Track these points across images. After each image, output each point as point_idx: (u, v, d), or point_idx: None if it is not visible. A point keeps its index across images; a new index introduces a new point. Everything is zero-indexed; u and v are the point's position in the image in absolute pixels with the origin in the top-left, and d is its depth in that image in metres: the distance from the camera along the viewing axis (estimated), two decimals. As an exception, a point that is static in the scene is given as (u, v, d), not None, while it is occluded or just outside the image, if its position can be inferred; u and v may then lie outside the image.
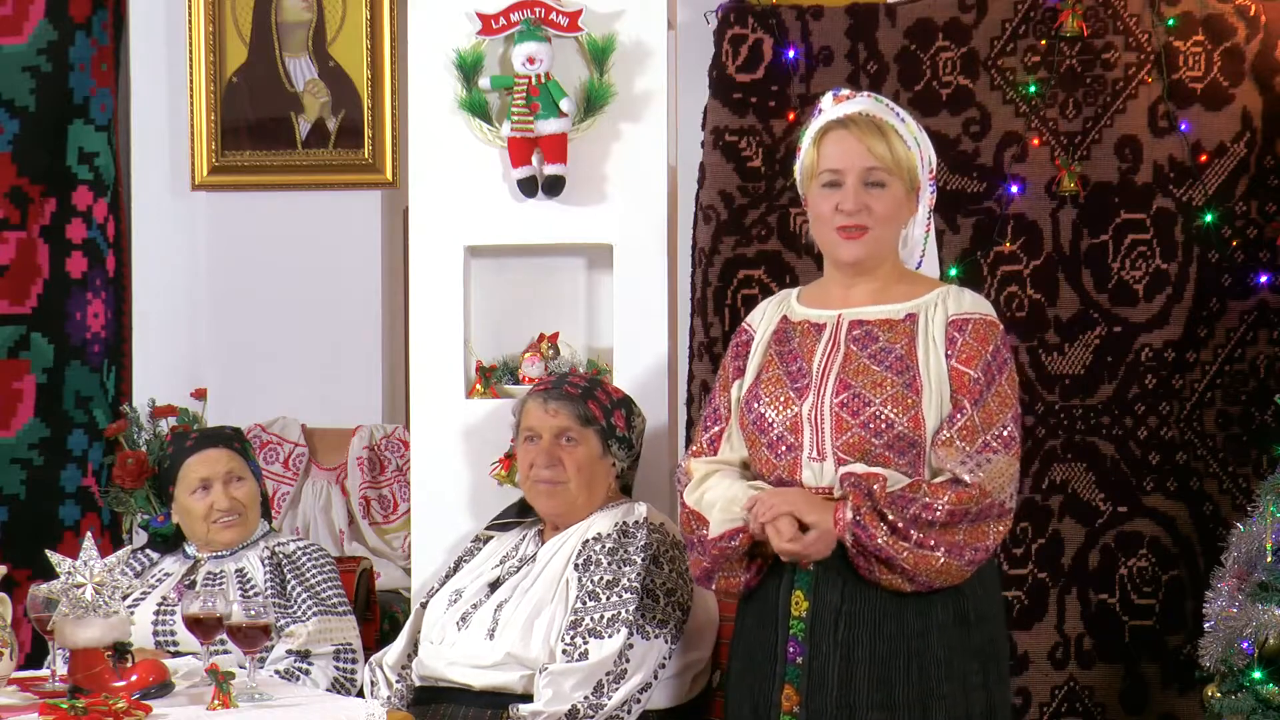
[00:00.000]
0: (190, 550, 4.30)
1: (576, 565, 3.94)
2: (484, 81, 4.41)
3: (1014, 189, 4.51)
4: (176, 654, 3.98)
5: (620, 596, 3.86)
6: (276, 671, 4.01)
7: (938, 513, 3.35)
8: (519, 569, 4.03)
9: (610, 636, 3.82)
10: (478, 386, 4.48)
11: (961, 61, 4.54)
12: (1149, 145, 4.49)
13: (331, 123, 6.15)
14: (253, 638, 3.57)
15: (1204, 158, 4.47)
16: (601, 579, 3.89)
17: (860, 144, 3.49)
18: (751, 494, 3.49)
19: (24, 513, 5.65)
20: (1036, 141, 4.51)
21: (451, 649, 3.96)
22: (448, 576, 4.15)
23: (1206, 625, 3.80)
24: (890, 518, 3.35)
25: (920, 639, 3.41)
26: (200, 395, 4.71)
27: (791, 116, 4.57)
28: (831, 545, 3.41)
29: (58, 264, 5.71)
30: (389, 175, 6.13)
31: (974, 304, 3.52)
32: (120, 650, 3.46)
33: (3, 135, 5.64)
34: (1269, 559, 3.75)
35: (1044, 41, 4.50)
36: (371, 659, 4.15)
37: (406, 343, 4.75)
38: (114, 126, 5.84)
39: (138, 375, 5.97)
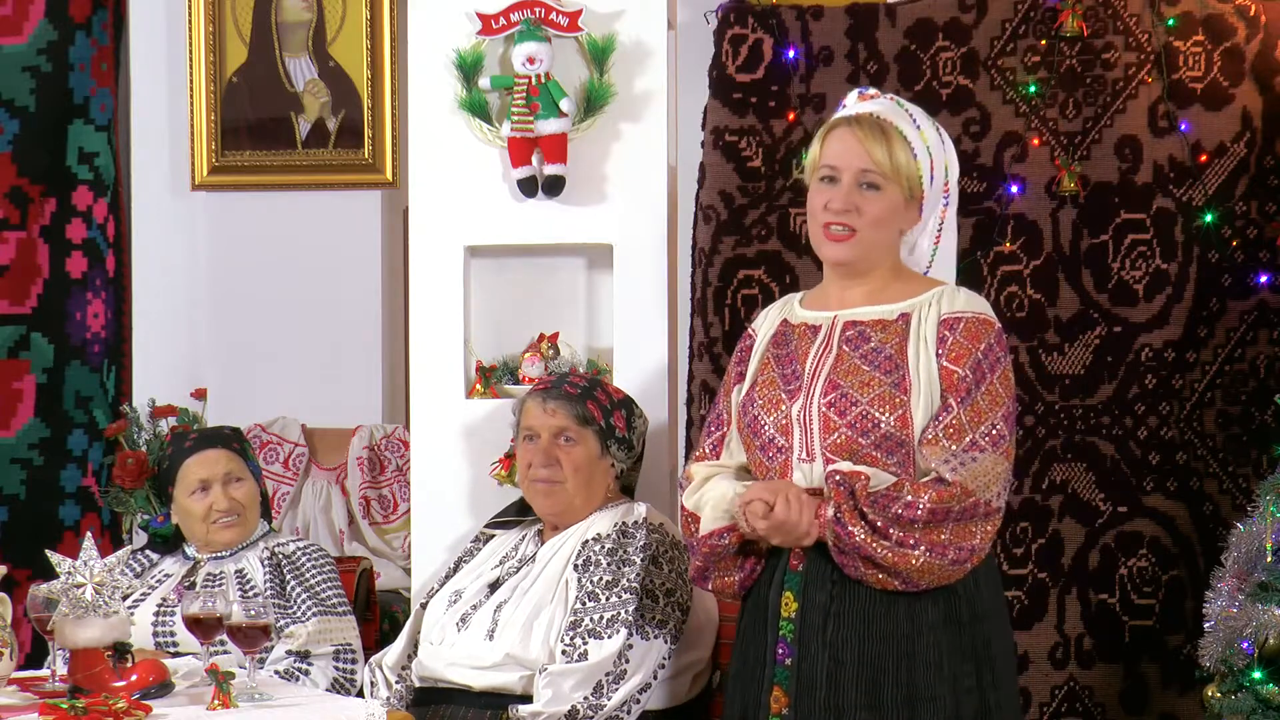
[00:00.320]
0: (190, 551, 4.30)
1: (576, 566, 3.94)
2: (484, 81, 4.41)
3: (1014, 189, 4.51)
4: (176, 654, 3.98)
5: (619, 597, 3.86)
6: (276, 672, 4.01)
7: (919, 512, 3.34)
8: (518, 569, 4.03)
9: (610, 637, 3.82)
10: (478, 386, 4.48)
11: (961, 61, 4.54)
12: (1149, 145, 4.49)
13: (331, 123, 6.15)
14: (253, 638, 3.57)
15: (1204, 158, 4.47)
16: (601, 579, 3.89)
17: (860, 145, 3.48)
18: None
19: (24, 513, 5.65)
20: (1036, 141, 4.51)
21: (451, 650, 3.96)
22: (447, 577, 4.15)
23: (1206, 625, 3.80)
24: (870, 516, 3.34)
25: (910, 640, 3.39)
26: (200, 395, 4.71)
27: (791, 116, 4.57)
28: (793, 534, 3.39)
29: (58, 264, 5.71)
30: (389, 175, 6.14)
31: (967, 303, 3.50)
32: (120, 650, 3.46)
33: (3, 135, 5.64)
34: (1269, 559, 3.75)
35: (1044, 41, 4.50)
36: (371, 659, 4.15)
37: (406, 343, 4.75)
38: (114, 126, 5.85)
39: (138, 375, 5.97)
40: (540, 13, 4.37)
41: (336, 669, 4.10)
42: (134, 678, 3.43)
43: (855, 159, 3.48)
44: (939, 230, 3.59)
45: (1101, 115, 4.50)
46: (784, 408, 3.48)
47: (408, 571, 4.90)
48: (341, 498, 6.00)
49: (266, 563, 4.20)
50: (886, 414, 3.41)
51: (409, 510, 4.75)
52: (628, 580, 3.87)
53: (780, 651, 3.45)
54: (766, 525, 3.40)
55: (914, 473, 3.41)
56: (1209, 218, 4.46)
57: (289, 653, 4.07)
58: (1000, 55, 4.53)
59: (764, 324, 3.65)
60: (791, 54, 4.56)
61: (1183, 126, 4.47)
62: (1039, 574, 4.51)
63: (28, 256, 5.68)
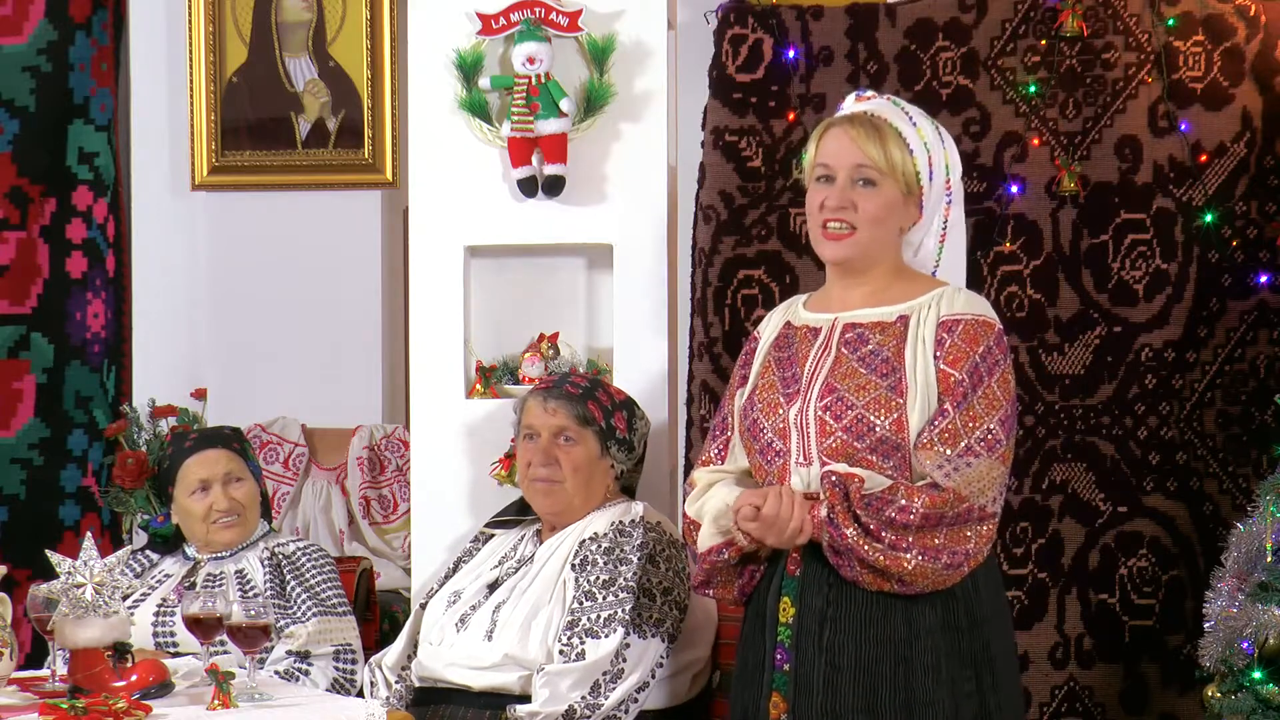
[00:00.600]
0: (190, 552, 4.30)
1: (573, 565, 3.94)
2: (484, 81, 4.41)
3: (1014, 189, 4.51)
4: (176, 654, 3.98)
5: (616, 596, 3.86)
6: (276, 672, 4.01)
7: (911, 516, 3.32)
8: (517, 570, 4.03)
9: (607, 636, 3.82)
10: (478, 386, 4.48)
11: (961, 61, 4.54)
12: (1149, 145, 4.49)
13: (331, 123, 6.15)
14: (253, 638, 3.58)
15: (1204, 158, 4.47)
16: (598, 579, 3.89)
17: (854, 143, 3.48)
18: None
19: (24, 513, 5.65)
20: (1036, 141, 4.51)
21: (450, 650, 3.96)
22: (447, 577, 4.15)
23: (1206, 625, 3.79)
24: (863, 518, 3.33)
25: (907, 644, 3.37)
26: (200, 395, 4.71)
27: (791, 116, 4.57)
28: (784, 532, 3.37)
29: (58, 264, 5.71)
30: (389, 175, 6.14)
31: (967, 304, 3.48)
32: (120, 650, 3.46)
33: (3, 135, 5.64)
34: (1269, 559, 3.75)
35: (1044, 41, 4.50)
36: (371, 660, 4.15)
37: (406, 343, 4.75)
38: (114, 126, 5.84)
39: (138, 375, 5.97)
40: (540, 13, 4.37)
41: (336, 669, 4.10)
42: (134, 678, 3.43)
43: (849, 156, 3.48)
44: (944, 229, 3.58)
45: (1101, 115, 4.50)
46: (782, 411, 3.47)
47: (408, 571, 4.90)
48: (341, 498, 6.00)
49: (266, 563, 4.20)
50: (882, 417, 3.40)
51: (409, 510, 4.75)
52: (624, 579, 3.88)
53: (778, 657, 3.44)
54: (756, 526, 3.40)
55: (910, 476, 3.40)
56: (1209, 218, 4.46)
57: (289, 653, 4.07)
58: (1000, 55, 4.53)
59: (768, 327, 3.64)
60: (791, 54, 4.56)
61: (1183, 126, 4.47)
62: (1039, 574, 4.51)
63: (28, 256, 5.68)
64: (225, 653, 3.82)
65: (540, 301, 4.54)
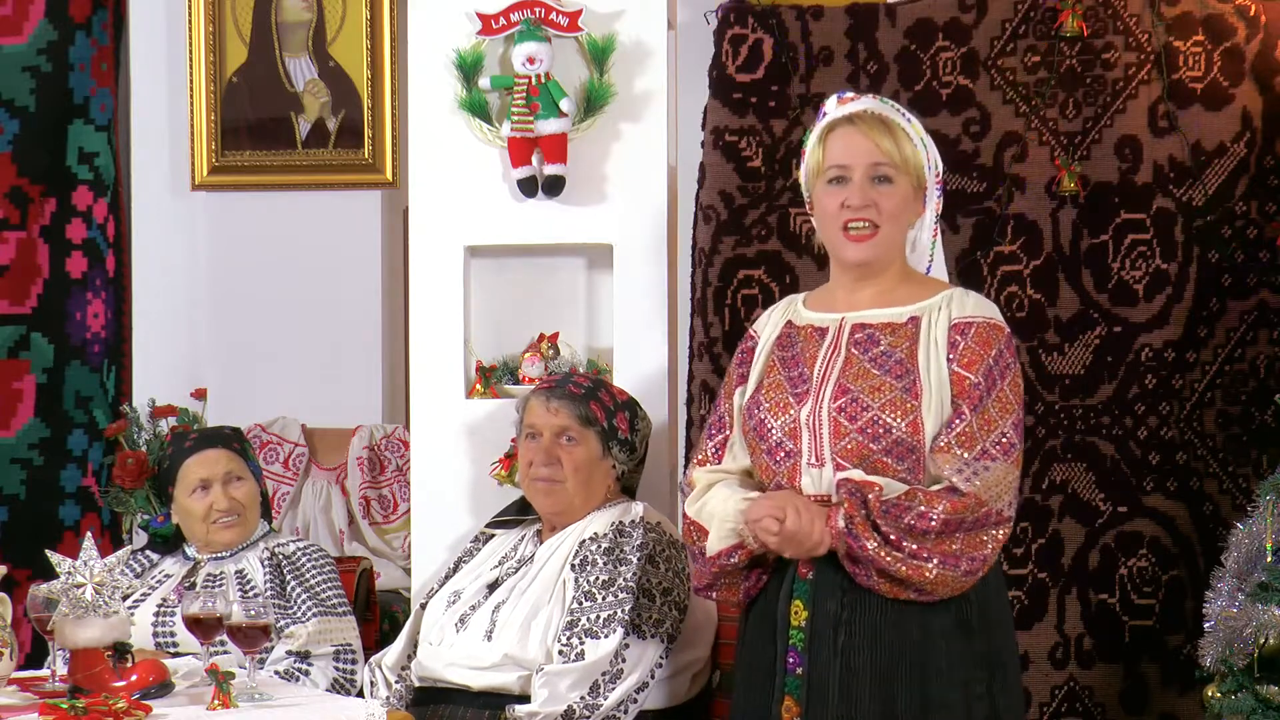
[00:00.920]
0: (190, 552, 4.30)
1: (573, 566, 3.94)
2: (484, 81, 4.41)
3: (1014, 189, 4.51)
4: (176, 654, 3.98)
5: (616, 596, 3.86)
6: (276, 672, 4.01)
7: (932, 522, 3.31)
8: (517, 570, 4.03)
9: (606, 637, 3.82)
10: (478, 386, 4.48)
11: (961, 61, 4.54)
12: (1149, 145, 4.49)
13: (331, 123, 6.15)
14: (253, 638, 3.58)
15: (1204, 158, 4.47)
16: (598, 579, 3.89)
17: (867, 140, 3.47)
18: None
19: (24, 513, 5.66)
20: (1036, 141, 4.51)
21: (450, 650, 3.96)
22: (447, 577, 4.15)
23: (1206, 625, 3.79)
24: (883, 529, 3.31)
25: (921, 647, 3.36)
26: (200, 395, 4.72)
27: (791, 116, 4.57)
28: (805, 545, 3.36)
29: (58, 264, 5.71)
30: (389, 175, 6.14)
31: (978, 307, 3.48)
32: (120, 650, 3.46)
33: (3, 135, 5.64)
34: (1269, 559, 3.75)
35: (1044, 41, 4.50)
36: (371, 660, 4.15)
37: (406, 343, 4.75)
38: (114, 126, 5.85)
39: (138, 375, 5.97)
40: (540, 13, 4.37)
41: (336, 669, 4.10)
42: (134, 678, 3.43)
43: (864, 154, 3.47)
44: (935, 224, 3.59)
45: (1101, 115, 4.49)
46: (792, 412, 3.46)
47: (408, 571, 4.90)
48: (341, 498, 6.00)
49: (266, 563, 4.20)
50: (898, 419, 3.39)
51: (409, 510, 4.75)
52: (624, 580, 3.87)
53: (791, 660, 3.42)
54: (778, 540, 3.38)
55: (924, 478, 3.39)
56: (1209, 218, 4.46)
57: (289, 653, 4.07)
58: (1000, 55, 4.53)
59: (767, 326, 3.63)
60: (791, 54, 4.56)
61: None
62: (1039, 574, 4.51)
63: (28, 256, 5.69)
64: (225, 653, 3.82)
65: (540, 301, 4.54)
